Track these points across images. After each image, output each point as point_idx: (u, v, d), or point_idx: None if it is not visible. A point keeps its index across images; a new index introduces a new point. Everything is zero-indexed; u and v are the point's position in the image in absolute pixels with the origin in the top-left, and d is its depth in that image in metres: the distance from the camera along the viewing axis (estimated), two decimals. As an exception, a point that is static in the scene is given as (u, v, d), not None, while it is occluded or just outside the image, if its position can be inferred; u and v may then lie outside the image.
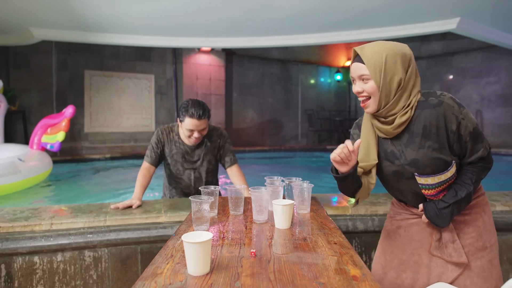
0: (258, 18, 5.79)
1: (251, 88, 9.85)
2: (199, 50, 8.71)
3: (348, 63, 11.50)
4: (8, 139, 6.26)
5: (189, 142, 2.27)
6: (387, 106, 1.28)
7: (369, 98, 1.29)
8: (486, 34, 6.36)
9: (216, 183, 2.50)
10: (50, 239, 1.79)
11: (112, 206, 2.07)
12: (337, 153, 1.29)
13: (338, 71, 11.40)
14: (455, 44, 8.92)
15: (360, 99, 1.31)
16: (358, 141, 1.29)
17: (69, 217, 1.91)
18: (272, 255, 1.10)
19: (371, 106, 1.30)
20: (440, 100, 1.27)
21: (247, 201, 1.70)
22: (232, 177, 2.38)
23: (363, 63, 1.26)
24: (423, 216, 1.37)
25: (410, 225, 1.45)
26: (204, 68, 8.87)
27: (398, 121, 1.28)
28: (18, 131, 6.94)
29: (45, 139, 4.90)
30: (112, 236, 1.85)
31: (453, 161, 1.29)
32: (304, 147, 9.86)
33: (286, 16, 5.68)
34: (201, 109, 2.12)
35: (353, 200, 1.49)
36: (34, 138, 4.94)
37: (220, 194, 1.99)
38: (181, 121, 2.19)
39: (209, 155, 2.35)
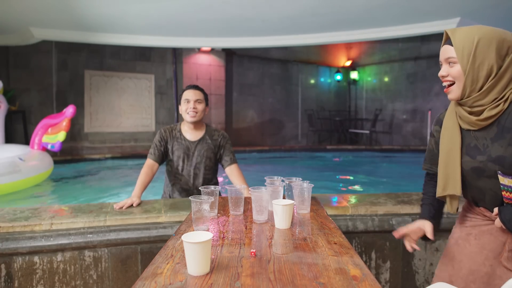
0: (258, 18, 5.79)
1: (251, 88, 9.85)
2: (199, 50, 8.71)
3: (348, 63, 11.51)
4: (8, 139, 6.26)
5: (188, 117, 2.34)
6: (474, 95, 1.18)
7: (453, 83, 1.22)
8: (486, 34, 6.35)
9: (216, 183, 2.52)
10: (50, 239, 1.79)
11: (116, 207, 2.07)
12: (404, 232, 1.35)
13: (338, 71, 11.40)
14: (455, 44, 8.92)
15: (444, 84, 1.24)
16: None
17: (69, 217, 1.91)
18: (272, 255, 1.10)
19: (454, 92, 1.21)
20: None
21: (247, 201, 1.70)
22: (231, 176, 2.41)
23: (451, 46, 1.20)
24: (497, 221, 1.23)
25: (482, 233, 1.34)
26: (204, 68, 8.87)
27: (487, 114, 1.18)
28: (18, 131, 6.94)
29: (46, 139, 4.91)
30: (112, 236, 1.85)
31: None
32: (304, 147, 9.86)
33: (286, 16, 5.68)
34: (195, 85, 2.41)
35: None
36: (35, 138, 4.94)
37: (220, 194, 2.00)
38: (179, 102, 2.39)
39: (209, 151, 2.41)
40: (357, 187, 5.53)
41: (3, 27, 5.93)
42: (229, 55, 9.32)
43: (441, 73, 1.24)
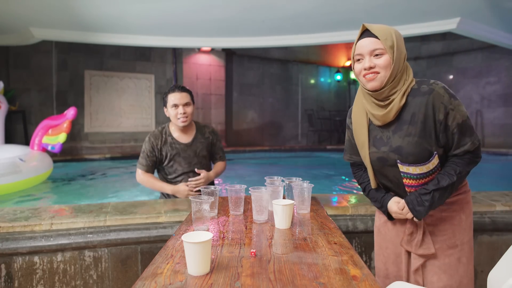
0: (258, 18, 5.79)
1: (251, 88, 9.85)
2: (199, 50, 8.71)
3: (348, 63, 11.51)
4: (8, 139, 6.25)
5: (179, 122, 2.29)
6: (393, 82, 1.27)
7: (378, 73, 1.27)
8: (486, 34, 6.36)
9: (212, 182, 2.52)
10: (50, 239, 1.79)
11: (191, 195, 2.16)
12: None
13: (338, 71, 11.40)
14: (455, 44, 8.92)
15: (368, 76, 1.28)
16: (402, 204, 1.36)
17: (69, 217, 1.91)
18: (272, 255, 1.10)
19: (378, 80, 1.27)
20: (431, 88, 1.26)
21: (247, 201, 1.70)
22: (214, 166, 2.50)
23: (375, 39, 1.26)
24: (405, 210, 1.36)
25: (396, 218, 1.45)
26: (204, 68, 8.87)
27: (394, 105, 1.27)
28: (18, 131, 6.94)
29: (46, 140, 4.91)
30: (112, 236, 1.85)
31: (435, 152, 1.28)
32: (304, 147, 9.86)
33: (286, 16, 5.68)
34: (180, 86, 2.30)
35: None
36: (35, 139, 4.94)
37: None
38: (165, 104, 2.29)
39: (204, 150, 2.42)
40: (357, 187, 5.53)
41: (3, 27, 5.93)
42: (229, 55, 9.32)
43: (368, 64, 1.27)
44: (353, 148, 1.51)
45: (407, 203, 1.34)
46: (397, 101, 1.27)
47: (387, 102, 1.29)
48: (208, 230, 1.35)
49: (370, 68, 1.27)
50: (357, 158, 1.50)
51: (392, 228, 1.48)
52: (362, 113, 1.39)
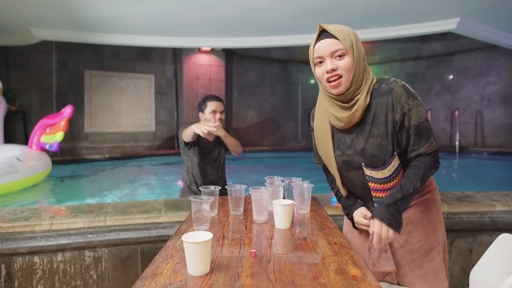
0: (258, 18, 5.79)
1: (251, 88, 9.85)
2: (199, 50, 8.71)
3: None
4: (8, 139, 6.25)
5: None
6: (356, 83, 1.23)
7: (340, 76, 1.22)
8: (486, 34, 6.37)
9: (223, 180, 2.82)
10: (50, 239, 1.79)
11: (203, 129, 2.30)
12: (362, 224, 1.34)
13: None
14: (455, 44, 8.92)
15: (332, 79, 1.23)
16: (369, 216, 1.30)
17: (69, 217, 1.91)
18: (272, 255, 1.10)
19: (343, 85, 1.22)
20: (390, 88, 1.22)
21: (247, 201, 1.71)
22: None
23: (334, 39, 1.21)
24: (373, 222, 1.21)
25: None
26: (204, 68, 8.87)
27: (359, 105, 1.23)
28: (18, 131, 6.94)
29: (44, 139, 4.90)
30: (112, 236, 1.85)
31: (395, 153, 1.24)
32: (304, 147, 9.85)
33: (286, 16, 5.68)
34: (217, 96, 2.70)
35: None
36: (33, 138, 4.94)
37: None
38: (202, 110, 2.64)
39: (223, 146, 2.78)
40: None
41: (3, 27, 5.93)
42: (229, 55, 9.31)
43: (330, 67, 1.22)
44: None
45: (382, 219, 1.17)
46: (362, 101, 1.23)
47: (351, 103, 1.25)
48: (208, 230, 1.35)
49: (333, 70, 1.21)
50: None
51: (359, 237, 1.45)
52: (324, 119, 1.34)
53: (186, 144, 2.60)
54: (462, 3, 5.20)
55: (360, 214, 1.36)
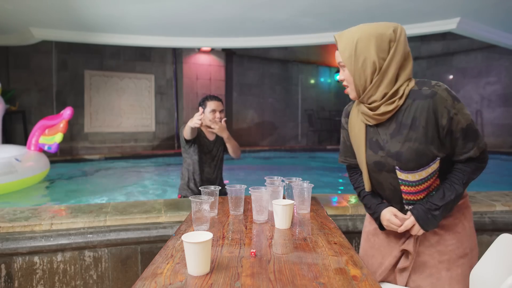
0: (258, 18, 5.79)
1: (251, 88, 9.85)
2: (199, 50, 8.70)
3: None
4: (8, 139, 6.26)
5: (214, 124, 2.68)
6: (366, 92, 1.22)
7: (347, 86, 1.27)
8: (486, 34, 6.36)
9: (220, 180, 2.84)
10: (50, 239, 1.79)
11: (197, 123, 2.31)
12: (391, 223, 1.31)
13: (338, 71, 11.39)
14: (455, 44, 8.92)
15: (344, 86, 1.30)
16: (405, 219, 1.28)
17: (69, 217, 1.91)
18: (272, 255, 1.10)
19: (352, 93, 1.27)
20: (434, 91, 1.17)
21: (247, 201, 1.71)
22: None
23: (338, 50, 1.25)
24: (408, 221, 1.26)
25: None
26: (204, 68, 8.87)
27: (383, 109, 1.21)
28: (18, 131, 6.94)
29: (42, 140, 4.90)
30: (112, 236, 1.85)
31: (438, 158, 1.21)
32: (304, 147, 9.85)
33: (286, 16, 5.68)
34: (216, 96, 2.75)
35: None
36: (32, 139, 4.94)
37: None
38: (203, 107, 2.67)
39: (223, 146, 2.82)
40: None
41: (3, 27, 5.93)
42: (229, 55, 9.31)
43: (339, 77, 1.29)
44: (348, 150, 1.45)
45: (417, 220, 1.24)
46: (385, 108, 1.21)
47: (373, 105, 1.24)
48: (208, 230, 1.35)
49: (342, 80, 1.27)
50: (352, 160, 1.44)
51: (384, 238, 1.42)
52: (358, 114, 1.34)
53: (187, 141, 2.63)
54: (462, 3, 5.20)
55: (391, 212, 1.31)
